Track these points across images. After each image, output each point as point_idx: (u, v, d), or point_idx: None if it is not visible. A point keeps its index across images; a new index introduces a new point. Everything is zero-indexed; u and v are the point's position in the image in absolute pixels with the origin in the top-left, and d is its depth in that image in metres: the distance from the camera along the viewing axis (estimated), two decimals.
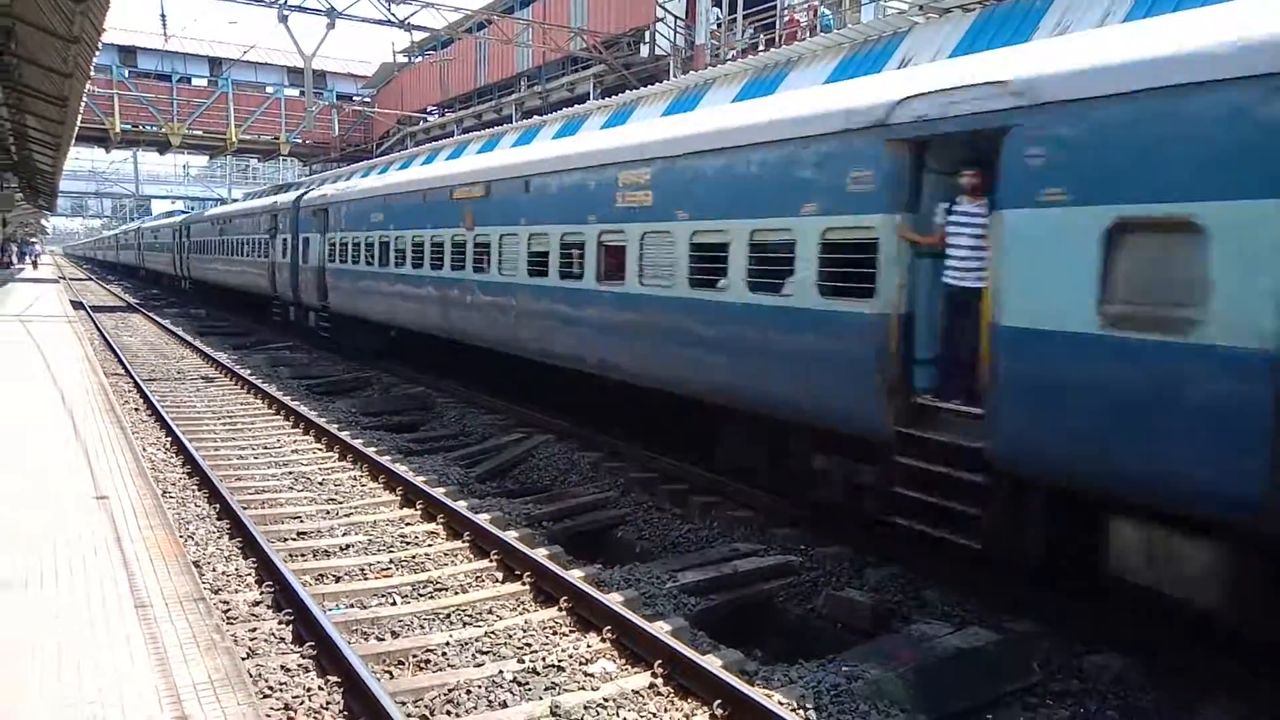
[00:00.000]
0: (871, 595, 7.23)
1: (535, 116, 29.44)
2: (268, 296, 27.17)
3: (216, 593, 6.98)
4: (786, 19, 22.90)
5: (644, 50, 29.24)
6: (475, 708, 5.44)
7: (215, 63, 49.74)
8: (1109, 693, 5.86)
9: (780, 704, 5.30)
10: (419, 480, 10.12)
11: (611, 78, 29.55)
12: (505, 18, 34.31)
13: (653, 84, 23.98)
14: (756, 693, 5.32)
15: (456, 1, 47.79)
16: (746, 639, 6.93)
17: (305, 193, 25.02)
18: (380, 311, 18.66)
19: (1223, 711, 5.54)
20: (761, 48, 22.79)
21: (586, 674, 5.84)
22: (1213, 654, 6.01)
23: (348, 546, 8.36)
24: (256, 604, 6.83)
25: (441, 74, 41.68)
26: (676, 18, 27.76)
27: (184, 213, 56.20)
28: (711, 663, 5.73)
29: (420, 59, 45.02)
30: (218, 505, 9.13)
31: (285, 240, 24.39)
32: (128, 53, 47.44)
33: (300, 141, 48.45)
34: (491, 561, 7.85)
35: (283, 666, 5.78)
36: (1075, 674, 6.08)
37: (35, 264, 63.97)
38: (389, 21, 27.28)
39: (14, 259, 62.14)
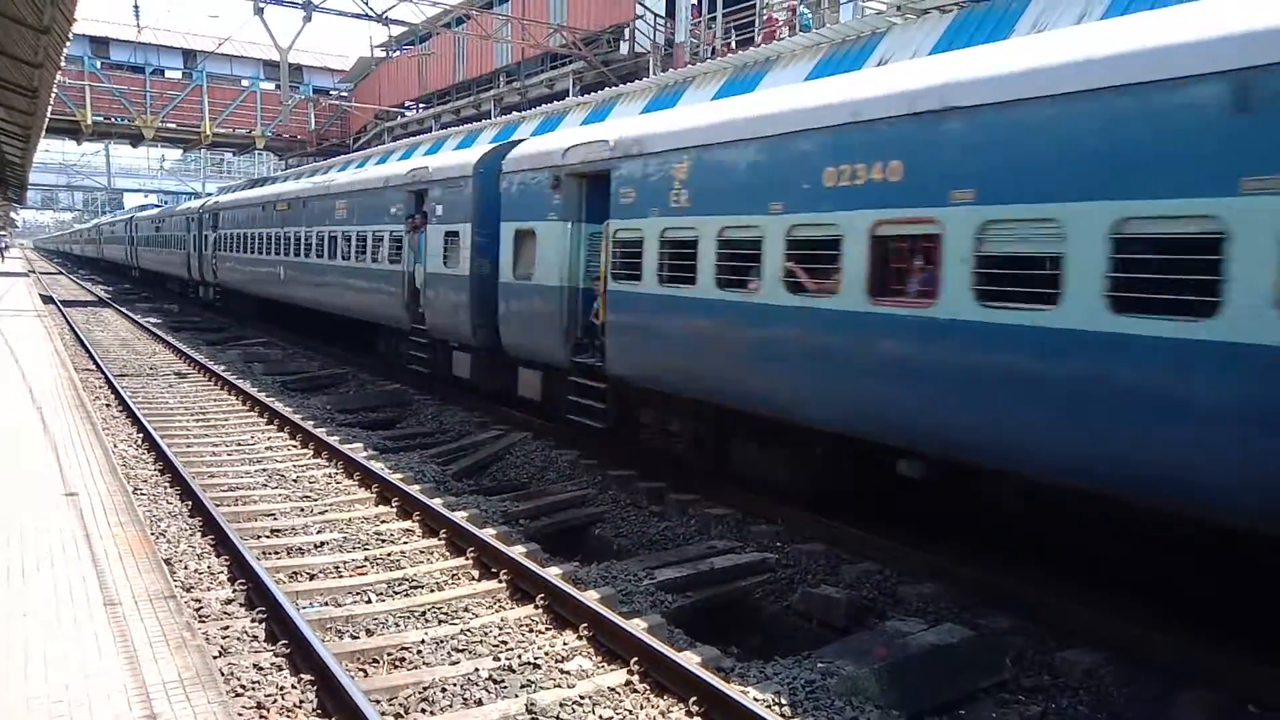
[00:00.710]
0: (847, 592, 7.26)
1: (515, 113, 29.34)
2: (393, 328, 16.78)
3: (188, 590, 6.90)
4: (765, 18, 22.97)
5: (624, 47, 29.24)
6: (450, 706, 5.41)
7: (189, 55, 49.23)
8: (1080, 688, 5.92)
9: (756, 700, 5.31)
10: (395, 477, 10.05)
11: (591, 75, 29.53)
12: (484, 13, 34.16)
13: (632, 81, 23.98)
14: (732, 689, 5.33)
15: None
16: (723, 636, 6.95)
17: (509, 148, 13.18)
18: (923, 419, 6.95)
19: (1194, 704, 5.61)
20: (734, 46, 22.87)
21: (563, 671, 5.83)
22: (1185, 649, 6.09)
23: (322, 544, 8.29)
24: (229, 602, 6.76)
25: (419, 69, 41.43)
26: (656, 15, 27.78)
27: (150, 205, 52.80)
28: (688, 660, 5.73)
29: (398, 53, 44.77)
30: (190, 503, 9.03)
31: (451, 236, 13.94)
32: (100, 44, 46.85)
33: (275, 135, 48.00)
34: (468, 559, 7.82)
35: (255, 665, 5.72)
36: (1047, 670, 6.13)
37: (2, 257, 62.92)
38: (366, 15, 27.10)
39: None
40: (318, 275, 19.94)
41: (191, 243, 32.56)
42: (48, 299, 32.70)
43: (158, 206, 52.23)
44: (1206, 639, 6.07)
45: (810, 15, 21.28)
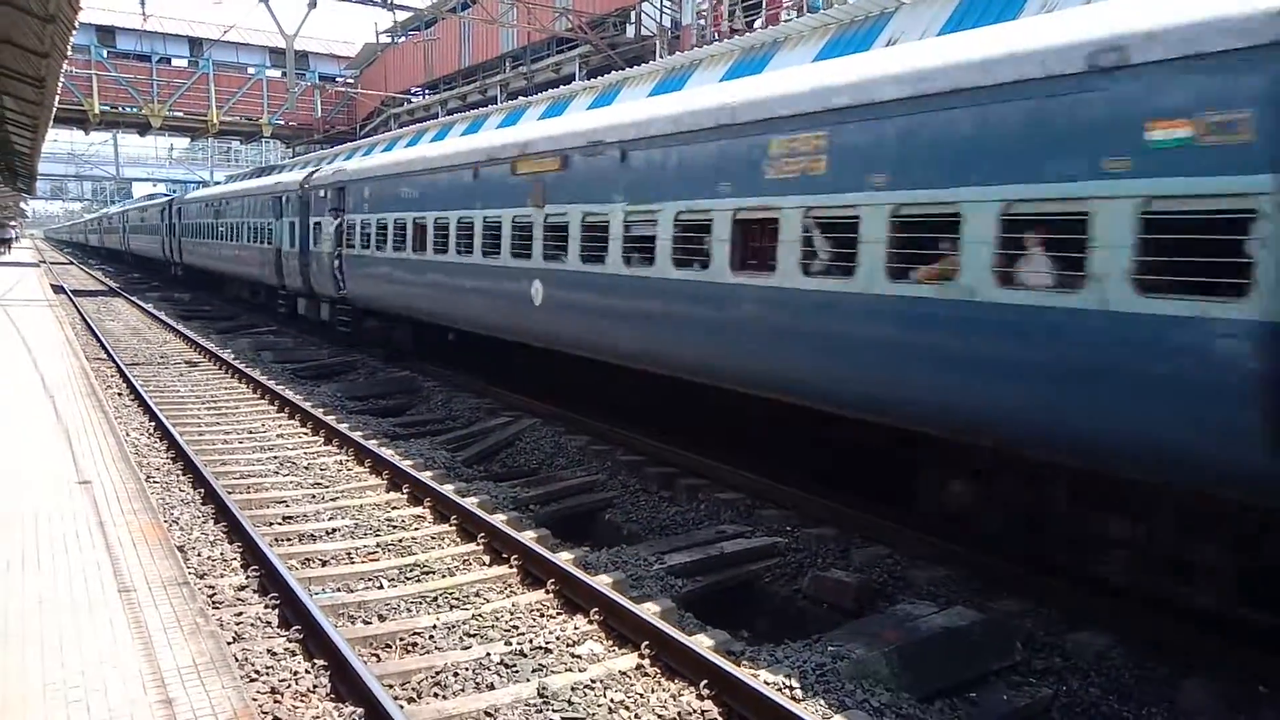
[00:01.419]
0: (857, 575, 7.27)
1: (521, 98, 29.25)
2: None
3: (202, 577, 6.95)
4: None
5: (630, 31, 29.05)
6: (463, 690, 5.44)
7: (195, 43, 49.14)
8: (1091, 670, 5.93)
9: (766, 683, 5.33)
10: (406, 464, 10.09)
11: (597, 58, 29.36)
12: None
13: (639, 65, 23.87)
14: (743, 672, 5.35)
15: None
16: (733, 620, 6.97)
17: None
18: None
19: (1202, 688, 5.61)
20: (742, 28, 22.71)
21: (574, 655, 5.86)
22: (1194, 632, 6.08)
23: (334, 531, 8.34)
24: (242, 588, 6.81)
25: (425, 55, 41.31)
26: None
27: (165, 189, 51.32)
28: (698, 643, 5.75)
29: (403, 39, 44.63)
30: (202, 490, 9.08)
31: None
32: (106, 32, 46.78)
33: (283, 123, 47.97)
34: (479, 545, 7.85)
35: (269, 650, 5.77)
36: (1058, 652, 6.14)
37: (9, 248, 62.99)
38: (372, 1, 26.99)
39: None
40: (692, 305, 8.95)
41: (285, 235, 21.84)
42: (58, 289, 32.84)
43: (172, 196, 50.06)
44: (1216, 620, 6.05)
45: None
